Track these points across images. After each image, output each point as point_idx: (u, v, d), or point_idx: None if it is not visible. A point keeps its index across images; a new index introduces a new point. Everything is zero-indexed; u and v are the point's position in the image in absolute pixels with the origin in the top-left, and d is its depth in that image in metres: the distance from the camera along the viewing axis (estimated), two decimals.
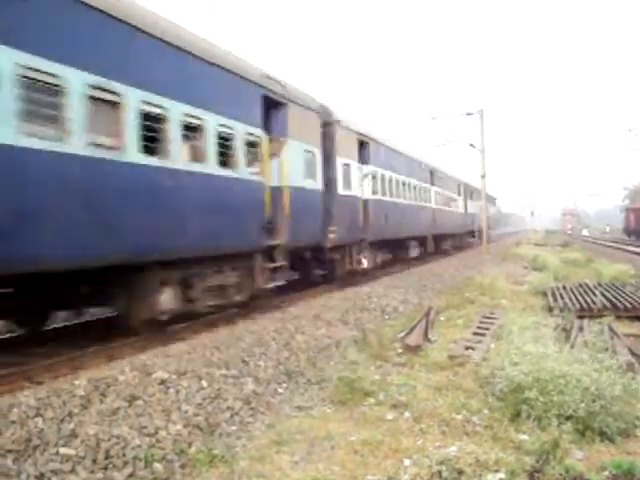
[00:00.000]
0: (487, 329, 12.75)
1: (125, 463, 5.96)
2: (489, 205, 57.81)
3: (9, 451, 5.71)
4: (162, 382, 7.91)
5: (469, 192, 51.26)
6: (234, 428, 7.24)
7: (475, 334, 12.36)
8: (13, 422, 6.22)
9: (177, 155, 11.08)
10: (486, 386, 8.60)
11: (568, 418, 7.11)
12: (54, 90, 8.60)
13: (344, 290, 18.48)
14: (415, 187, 30.65)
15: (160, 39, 10.78)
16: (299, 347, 10.73)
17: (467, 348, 10.99)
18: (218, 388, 8.17)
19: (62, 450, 5.91)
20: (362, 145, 22.11)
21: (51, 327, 11.95)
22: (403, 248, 28.86)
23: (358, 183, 21.21)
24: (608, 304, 15.69)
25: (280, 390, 8.75)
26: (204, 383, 8.21)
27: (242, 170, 13.30)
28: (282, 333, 11.43)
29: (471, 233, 53.09)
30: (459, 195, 46.30)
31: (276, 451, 6.52)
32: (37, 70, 8.30)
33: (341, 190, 19.44)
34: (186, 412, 7.26)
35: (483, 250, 40.47)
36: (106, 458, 5.96)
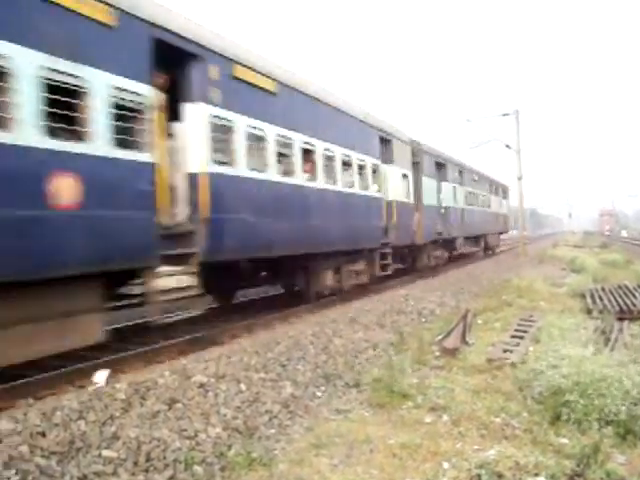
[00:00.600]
0: (525, 332, 12.64)
1: (166, 465, 6.03)
2: (493, 197, 43.05)
3: (53, 453, 5.82)
4: (201, 385, 7.99)
5: (433, 163, 27.53)
6: (273, 431, 7.27)
7: (513, 337, 12.26)
8: (57, 425, 6.34)
9: None
10: (525, 389, 8.53)
11: (609, 422, 7.04)
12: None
13: (381, 293, 18.47)
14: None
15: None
16: (337, 350, 10.75)
17: (505, 351, 10.91)
18: (257, 391, 8.22)
19: (104, 452, 6.00)
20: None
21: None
22: None
23: None
24: None
25: (318, 393, 8.77)
26: (243, 386, 8.27)
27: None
28: (320, 337, 11.47)
29: (445, 244, 29.44)
30: (398, 166, 21.91)
31: (315, 454, 6.54)
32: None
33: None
34: (225, 415, 7.33)
35: (520, 252, 40.27)
36: (147, 461, 6.04)
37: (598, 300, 16.84)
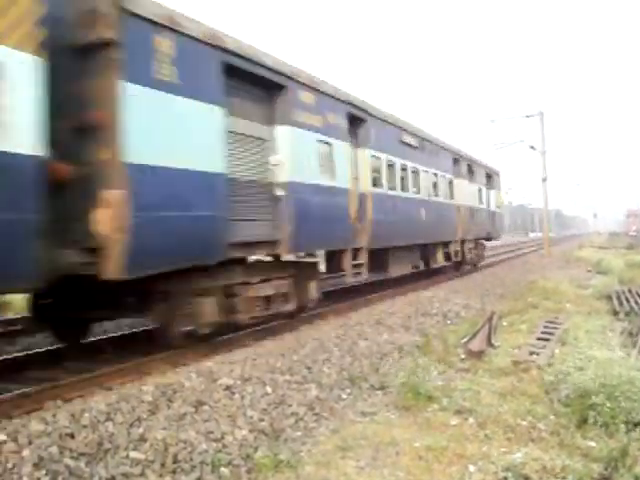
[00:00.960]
0: (551, 334, 12.56)
1: (193, 467, 6.07)
2: (465, 183, 25.93)
3: (82, 454, 5.88)
4: (227, 388, 8.02)
5: (218, 68, 9.82)
6: (299, 433, 7.29)
7: (539, 339, 12.19)
8: (85, 426, 6.39)
9: None
10: (551, 392, 8.50)
11: (637, 424, 6.99)
12: None
13: (406, 295, 18.43)
14: None
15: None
16: (362, 353, 10.74)
17: (531, 353, 10.86)
18: (282, 394, 8.24)
19: (132, 454, 6.05)
20: None
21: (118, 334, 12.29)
22: None
23: None
24: None
25: (343, 396, 8.77)
26: (268, 389, 8.29)
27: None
28: (345, 339, 11.45)
29: (300, 269, 13.08)
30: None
31: (341, 456, 6.55)
32: None
33: None
34: (251, 417, 7.35)
35: (545, 254, 40.02)
36: (174, 462, 6.08)
37: (625, 302, 16.72)
